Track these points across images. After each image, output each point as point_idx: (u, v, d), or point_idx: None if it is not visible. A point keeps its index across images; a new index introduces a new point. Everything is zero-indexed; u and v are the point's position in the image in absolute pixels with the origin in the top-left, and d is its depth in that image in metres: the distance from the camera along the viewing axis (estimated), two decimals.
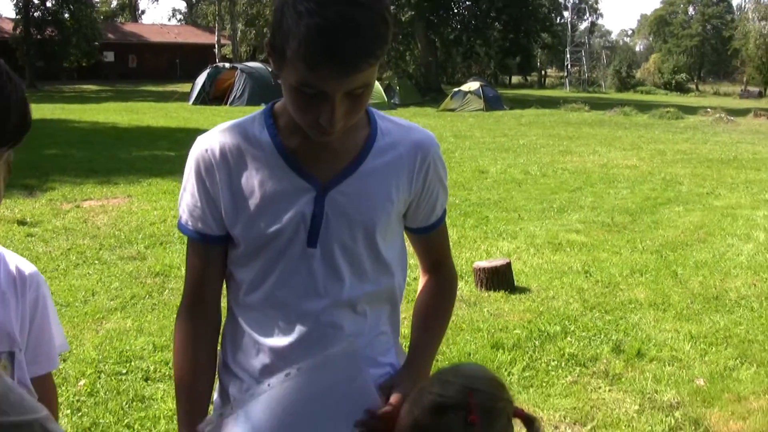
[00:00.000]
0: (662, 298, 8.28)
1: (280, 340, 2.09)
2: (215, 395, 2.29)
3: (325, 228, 2.03)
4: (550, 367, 6.37)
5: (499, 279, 8.38)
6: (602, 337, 7.11)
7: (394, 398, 2.01)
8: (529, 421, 1.93)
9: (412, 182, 2.14)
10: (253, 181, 2.04)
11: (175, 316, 6.54)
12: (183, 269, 8.73)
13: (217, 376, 2.25)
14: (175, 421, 5.15)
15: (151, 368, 6.12)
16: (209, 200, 2.08)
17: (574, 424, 5.41)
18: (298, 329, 2.07)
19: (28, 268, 2.27)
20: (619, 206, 13.46)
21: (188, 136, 22.28)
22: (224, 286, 2.23)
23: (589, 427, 5.36)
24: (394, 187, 2.11)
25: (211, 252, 2.15)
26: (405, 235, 2.29)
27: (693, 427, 5.38)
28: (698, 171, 18.13)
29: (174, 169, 15.70)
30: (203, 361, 2.16)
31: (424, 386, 1.89)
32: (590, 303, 8.11)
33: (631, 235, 11.28)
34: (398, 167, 2.11)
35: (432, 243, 2.33)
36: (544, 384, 6.02)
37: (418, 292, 2.36)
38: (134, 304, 7.71)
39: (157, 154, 18.29)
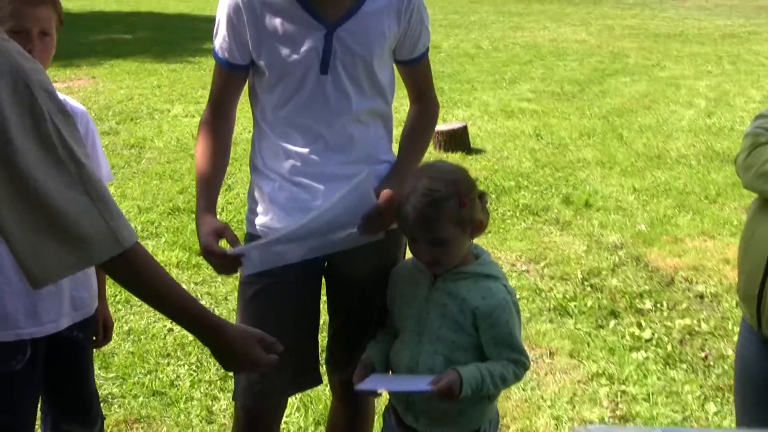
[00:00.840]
0: (608, 158, 8.86)
1: (304, 148, 2.62)
2: (248, 200, 2.81)
3: (334, 59, 2.53)
4: (506, 217, 6.96)
5: (456, 141, 8.92)
6: (553, 190, 7.70)
7: (384, 193, 2.54)
8: (483, 195, 2.51)
9: (400, 22, 2.62)
10: (275, 20, 2.52)
11: (155, 181, 6.98)
12: (156, 141, 9.22)
13: (250, 179, 2.83)
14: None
15: (139, 227, 6.57)
16: (236, 36, 2.59)
17: (529, 262, 6.02)
18: (319, 138, 2.61)
19: (78, 106, 2.75)
20: (569, 77, 13.94)
21: (142, 20, 22.33)
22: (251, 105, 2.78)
23: (542, 264, 5.96)
24: (386, 26, 2.59)
25: (234, 77, 2.70)
26: (395, 68, 2.80)
27: (635, 263, 6.00)
28: (645, 45, 18.54)
29: (133, 50, 15.90)
30: (220, 162, 2.69)
31: (416, 186, 2.40)
32: (541, 162, 8.68)
33: (580, 103, 11.80)
34: (390, 9, 2.59)
35: (417, 74, 2.83)
36: (501, 230, 6.60)
37: (407, 118, 2.91)
38: (114, 173, 8.09)
39: (115, 38, 18.32)
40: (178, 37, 18.03)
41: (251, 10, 2.55)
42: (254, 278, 2.70)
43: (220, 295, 5.38)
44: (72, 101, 2.75)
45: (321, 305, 2.92)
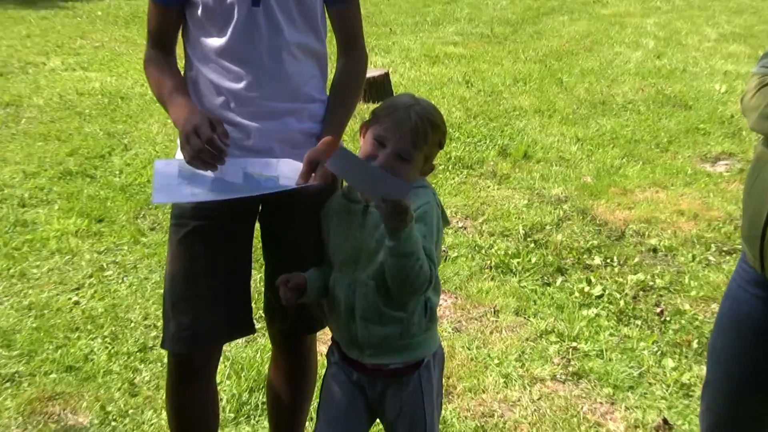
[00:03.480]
0: (547, 105, 9.28)
1: (236, 83, 2.96)
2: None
3: None
4: (437, 171, 7.31)
5: (377, 90, 9.24)
6: (488, 142, 8.11)
7: (320, 171, 2.86)
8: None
9: None
10: None
11: (39, 143, 7.16)
12: (35, 98, 9.34)
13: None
14: (62, 241, 5.91)
15: (26, 195, 6.75)
16: None
17: (466, 218, 6.40)
18: (251, 73, 2.95)
19: None
20: (499, 17, 14.33)
21: None
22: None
23: (480, 220, 6.34)
24: None
25: (168, 12, 3.05)
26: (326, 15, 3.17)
27: (581, 217, 6.41)
28: None
29: None
30: (178, 81, 3.06)
31: (420, 101, 2.81)
32: (473, 111, 9.09)
33: (513, 46, 12.22)
34: None
35: (347, 18, 3.18)
36: (434, 185, 6.93)
37: (335, 73, 3.25)
38: None
39: None
40: None
41: None
42: (186, 219, 3.05)
43: (128, 264, 5.65)
44: None
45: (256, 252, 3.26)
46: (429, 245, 2.70)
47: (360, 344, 2.90)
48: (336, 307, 2.91)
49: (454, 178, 7.24)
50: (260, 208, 3.19)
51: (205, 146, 2.70)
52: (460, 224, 6.28)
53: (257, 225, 3.24)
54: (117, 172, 7.24)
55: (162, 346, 3.21)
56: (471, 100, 9.51)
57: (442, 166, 7.39)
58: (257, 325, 3.46)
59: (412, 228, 2.57)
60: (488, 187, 7.07)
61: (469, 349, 4.67)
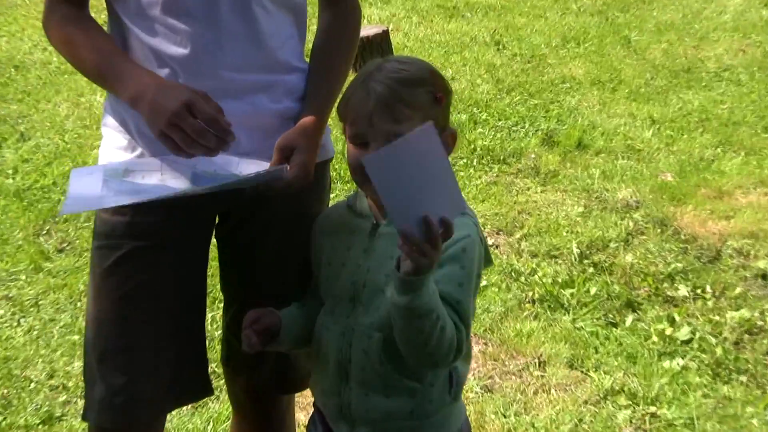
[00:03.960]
0: (610, 74, 9.28)
1: (184, 48, 2.90)
2: (103, 137, 3.10)
3: None
4: (458, 166, 7.33)
5: (373, 53, 9.21)
6: (527, 126, 8.13)
7: (296, 160, 2.85)
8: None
9: None
10: None
11: None
12: None
13: (104, 110, 3.16)
14: None
15: None
16: None
17: (498, 233, 6.42)
18: (206, 31, 2.90)
19: None
20: None
21: None
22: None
23: (518, 235, 6.34)
24: None
25: None
26: None
27: (659, 230, 6.40)
28: None
29: None
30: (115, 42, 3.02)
31: (380, 65, 2.75)
32: (507, 84, 9.10)
33: None
34: None
35: None
36: None
37: (317, 32, 3.22)
38: None
39: None
40: None
41: None
42: (117, 239, 2.99)
43: (27, 300, 5.67)
44: None
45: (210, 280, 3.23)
46: (463, 296, 2.67)
47: (353, 417, 2.86)
48: (322, 363, 2.89)
49: (480, 177, 7.25)
50: (217, 218, 3.19)
51: (207, 128, 2.68)
52: (491, 241, 6.27)
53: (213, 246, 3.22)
54: (10, 172, 7.23)
55: (83, 417, 3.14)
56: (503, 68, 9.51)
57: (464, 160, 7.37)
58: (213, 383, 3.41)
59: (431, 277, 2.51)
60: (528, 188, 7.08)
61: (504, 416, 4.63)
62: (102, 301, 3.03)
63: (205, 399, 4.27)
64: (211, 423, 4.52)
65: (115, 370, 3.02)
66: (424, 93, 2.73)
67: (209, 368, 3.27)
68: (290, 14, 3.07)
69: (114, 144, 3.07)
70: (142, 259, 2.99)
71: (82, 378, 3.16)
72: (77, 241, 6.26)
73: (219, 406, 4.53)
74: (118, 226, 3.00)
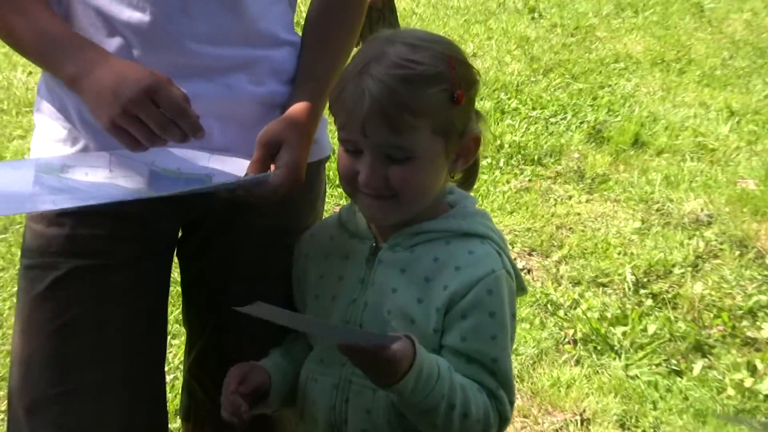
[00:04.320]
0: (676, 51, 9.27)
1: (140, 11, 2.86)
2: (36, 125, 3.07)
3: None
4: (482, 167, 7.27)
5: (372, 24, 9.13)
6: (569, 117, 8.13)
7: (283, 159, 2.82)
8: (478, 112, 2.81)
9: None
10: None
11: None
12: None
13: (38, 90, 3.09)
14: None
15: None
16: None
17: (531, 253, 6.39)
18: None
19: None
20: None
21: None
22: None
23: (556, 257, 6.32)
24: None
25: None
26: None
27: (738, 252, 6.42)
28: None
29: None
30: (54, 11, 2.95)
31: (384, 51, 2.62)
32: (543, 63, 9.11)
33: None
34: None
35: None
36: (477, 193, 6.91)
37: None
38: None
39: None
40: None
41: None
42: (53, 257, 2.93)
43: None
44: None
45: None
46: (499, 352, 2.67)
47: None
48: (307, 422, 2.89)
49: (509, 181, 7.24)
50: (180, 232, 3.18)
51: (171, 118, 2.64)
52: (521, 264, 6.25)
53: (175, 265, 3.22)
54: None
55: None
56: (539, 42, 9.53)
57: (488, 160, 7.36)
58: None
59: (409, 382, 2.47)
60: (570, 197, 7.08)
61: None
62: (32, 336, 2.97)
63: None
64: None
65: (49, 424, 2.94)
66: (437, 93, 2.60)
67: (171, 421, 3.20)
68: None
69: (50, 135, 3.01)
70: (85, 282, 2.92)
71: None
72: None
73: None
74: (54, 241, 2.94)
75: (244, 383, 2.75)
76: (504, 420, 2.65)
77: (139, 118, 2.60)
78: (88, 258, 2.91)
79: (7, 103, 8.21)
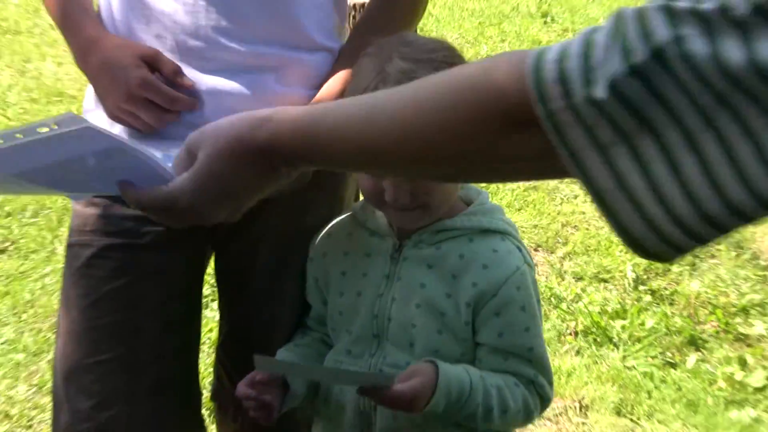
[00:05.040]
0: None
1: (177, 3, 2.90)
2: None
3: None
4: None
5: None
6: None
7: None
8: None
9: None
10: None
11: None
12: None
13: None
14: None
15: None
16: None
17: (536, 249, 6.66)
18: None
19: None
20: None
21: None
22: None
23: (560, 253, 6.58)
24: None
25: None
26: None
27: (734, 253, 6.62)
28: None
29: None
30: None
31: (384, 69, 2.62)
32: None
33: None
34: None
35: None
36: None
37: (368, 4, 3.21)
38: None
39: None
40: None
41: None
42: (87, 237, 2.99)
43: None
44: None
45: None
46: (534, 341, 2.73)
47: None
48: (334, 411, 2.93)
49: (515, 182, 7.30)
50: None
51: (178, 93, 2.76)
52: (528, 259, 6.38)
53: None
54: None
55: None
56: (548, 29, 9.70)
57: None
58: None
59: (439, 403, 2.57)
60: (576, 196, 7.29)
61: None
62: (70, 310, 3.01)
63: None
64: None
65: (82, 392, 2.97)
66: None
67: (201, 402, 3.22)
68: None
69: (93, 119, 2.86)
70: (117, 260, 2.96)
71: (51, 402, 3.10)
72: (22, 241, 6.48)
73: None
74: (89, 220, 2.99)
75: (256, 381, 2.75)
76: (546, 401, 2.76)
77: (144, 99, 2.71)
78: (120, 237, 2.96)
79: (37, 92, 8.37)
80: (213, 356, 3.42)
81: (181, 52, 2.87)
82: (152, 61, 2.77)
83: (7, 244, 6.49)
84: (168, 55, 2.85)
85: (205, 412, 3.41)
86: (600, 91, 1.47)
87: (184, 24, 2.86)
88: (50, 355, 5.26)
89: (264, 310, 3.17)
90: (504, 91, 1.60)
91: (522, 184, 7.29)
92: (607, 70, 1.47)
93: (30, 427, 4.93)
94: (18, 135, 2.06)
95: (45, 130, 2.06)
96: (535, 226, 6.67)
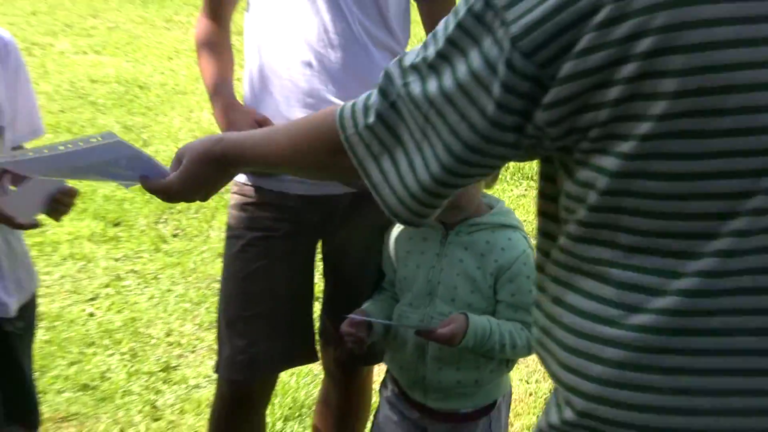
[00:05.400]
0: None
1: (298, 71, 3.00)
2: None
3: None
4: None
5: None
6: None
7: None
8: None
9: None
10: None
11: (49, 135, 7.38)
12: (41, 84, 9.68)
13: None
14: (75, 246, 6.13)
15: None
16: None
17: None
18: (311, 63, 3.01)
19: (3, 33, 3.04)
20: None
21: None
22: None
23: None
24: None
25: None
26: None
27: None
28: None
29: None
30: (224, 66, 3.19)
31: None
32: None
33: None
34: None
35: (436, 10, 3.09)
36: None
37: None
38: None
39: None
40: None
41: None
42: (241, 230, 3.19)
43: (149, 273, 6.22)
44: None
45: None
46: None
47: (426, 387, 3.08)
48: (399, 344, 3.10)
49: (511, 190, 7.63)
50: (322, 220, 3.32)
51: None
52: None
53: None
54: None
55: (215, 370, 3.39)
56: None
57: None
58: None
59: (468, 342, 2.78)
60: None
61: (527, 383, 4.96)
62: (230, 280, 3.24)
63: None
64: (294, 377, 4.84)
65: (239, 335, 3.19)
66: None
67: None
68: (389, 55, 3.06)
69: None
70: (259, 247, 3.16)
71: (215, 338, 3.37)
72: (188, 229, 6.78)
73: (290, 378, 4.86)
74: (241, 220, 3.17)
75: (353, 323, 2.94)
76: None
77: None
78: (261, 231, 3.13)
79: (198, 132, 8.40)
80: (319, 308, 3.60)
81: (300, 107, 2.99)
82: (263, 123, 2.93)
83: (178, 231, 6.85)
84: (292, 108, 3.01)
85: None
86: (371, 119, 1.78)
87: (303, 88, 3.00)
88: (207, 305, 5.62)
89: (355, 278, 3.32)
90: (329, 128, 1.87)
91: (515, 192, 7.20)
92: (375, 105, 1.78)
93: (194, 351, 5.14)
94: (80, 143, 2.25)
95: (97, 140, 2.25)
96: (524, 221, 6.57)
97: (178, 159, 2.25)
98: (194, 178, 2.21)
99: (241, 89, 3.31)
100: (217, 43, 3.27)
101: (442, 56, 1.70)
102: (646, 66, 1.48)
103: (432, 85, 1.71)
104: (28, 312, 3.21)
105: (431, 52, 1.72)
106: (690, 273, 1.55)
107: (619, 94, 1.50)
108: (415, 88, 1.74)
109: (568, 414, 1.69)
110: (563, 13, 1.50)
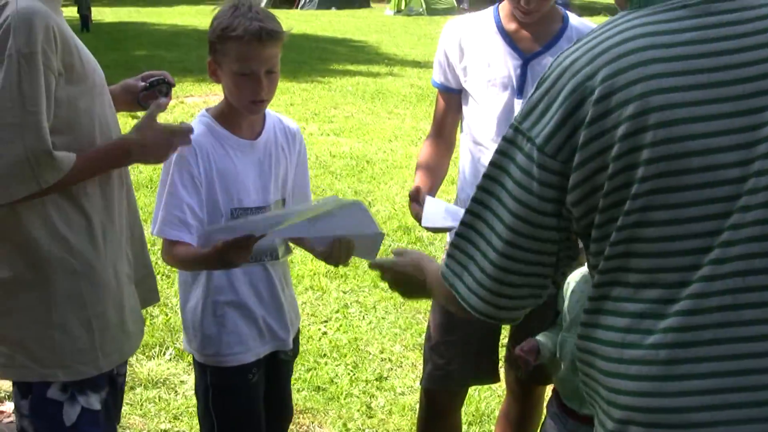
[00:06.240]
0: None
1: None
2: None
3: (526, 84, 2.95)
4: None
5: None
6: None
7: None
8: None
9: None
10: (480, 50, 3.06)
11: None
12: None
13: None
14: (314, 280, 6.14)
15: None
16: (449, 63, 3.13)
17: None
18: None
19: (293, 124, 3.01)
20: None
21: None
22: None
23: None
24: None
25: (449, 99, 3.21)
26: None
27: None
28: None
29: None
30: (442, 161, 3.28)
31: None
32: None
33: None
34: None
35: None
36: None
37: None
38: None
39: None
40: (305, 57, 18.34)
41: (457, 44, 3.09)
42: None
43: (369, 304, 5.83)
44: (288, 119, 3.01)
45: None
46: None
47: (581, 397, 2.82)
48: (559, 365, 2.86)
49: None
50: None
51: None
52: None
53: None
54: None
55: (421, 382, 3.33)
56: None
57: None
58: None
59: None
60: None
61: None
62: (437, 312, 3.19)
63: None
64: (478, 391, 4.56)
65: (439, 355, 3.18)
66: None
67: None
68: None
69: None
70: None
71: (418, 357, 3.44)
72: None
73: (475, 391, 4.61)
74: None
75: (524, 348, 2.84)
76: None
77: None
78: None
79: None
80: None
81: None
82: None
83: None
84: None
85: None
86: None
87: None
88: (412, 331, 5.46)
89: (534, 313, 3.00)
90: None
91: None
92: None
93: (401, 366, 5.01)
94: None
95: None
96: None
97: (402, 254, 2.24)
98: (405, 278, 2.17)
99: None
100: (434, 168, 3.20)
101: (489, 177, 1.75)
102: (626, 145, 1.56)
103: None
104: (295, 342, 3.10)
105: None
106: (683, 297, 1.57)
107: (612, 170, 1.57)
108: None
109: (610, 425, 1.67)
110: (569, 121, 1.60)
